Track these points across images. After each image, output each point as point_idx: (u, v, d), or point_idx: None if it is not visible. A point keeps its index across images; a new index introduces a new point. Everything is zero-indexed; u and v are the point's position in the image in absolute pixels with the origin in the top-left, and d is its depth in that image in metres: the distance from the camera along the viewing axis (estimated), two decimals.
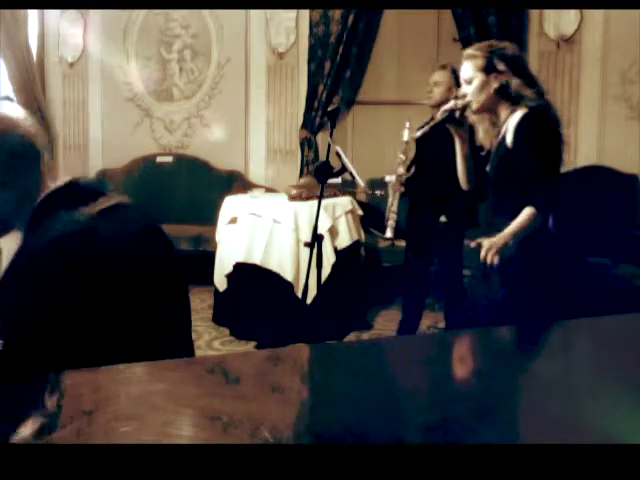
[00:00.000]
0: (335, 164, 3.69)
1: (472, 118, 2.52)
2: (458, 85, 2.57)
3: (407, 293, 3.88)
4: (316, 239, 3.02)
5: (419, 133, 2.54)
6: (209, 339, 4.17)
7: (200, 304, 4.95)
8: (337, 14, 5.33)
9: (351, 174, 3.81)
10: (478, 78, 2.43)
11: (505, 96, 2.42)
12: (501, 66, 2.41)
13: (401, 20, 5.38)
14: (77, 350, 1.11)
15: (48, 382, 0.93)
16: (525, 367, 1.13)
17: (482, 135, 2.54)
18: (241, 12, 5.74)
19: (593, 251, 4.45)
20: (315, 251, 3.07)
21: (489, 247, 2.30)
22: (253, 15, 5.76)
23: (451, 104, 2.49)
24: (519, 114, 2.39)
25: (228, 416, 0.80)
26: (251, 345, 4.05)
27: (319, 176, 2.94)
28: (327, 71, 5.42)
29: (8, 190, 1.27)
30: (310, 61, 5.51)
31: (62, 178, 1.33)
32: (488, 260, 2.30)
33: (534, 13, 5.03)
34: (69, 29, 6.26)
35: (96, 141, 6.44)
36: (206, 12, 5.90)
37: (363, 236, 4.40)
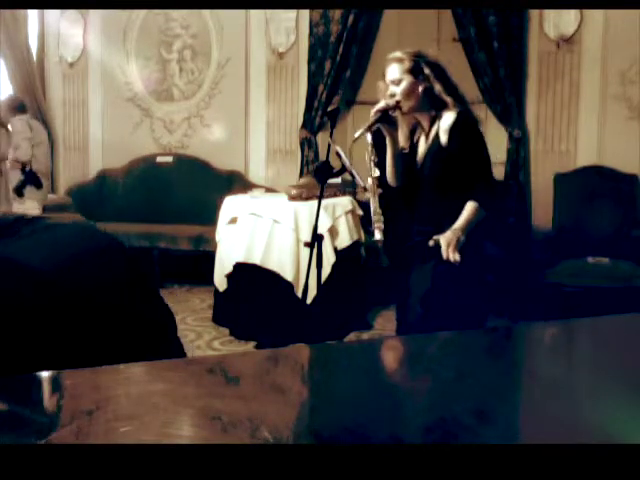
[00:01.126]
0: (335, 164, 3.69)
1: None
2: None
3: (400, 293, 3.88)
4: (316, 239, 3.02)
5: (357, 135, 2.60)
6: (209, 339, 4.18)
7: (200, 304, 4.96)
8: (337, 14, 5.33)
9: (351, 174, 3.80)
10: (406, 80, 2.54)
11: (431, 99, 2.54)
12: (427, 70, 2.53)
13: (401, 20, 5.38)
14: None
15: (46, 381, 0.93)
16: (525, 367, 1.13)
17: (401, 136, 2.65)
18: (241, 12, 5.74)
19: (593, 251, 4.46)
20: (315, 251, 3.07)
21: (448, 244, 2.39)
22: (253, 15, 5.76)
23: (382, 104, 2.57)
24: (450, 116, 2.52)
25: (228, 416, 0.80)
26: (251, 345, 4.05)
27: (319, 176, 2.94)
28: (327, 71, 5.42)
29: None
30: (310, 61, 5.51)
31: None
32: (451, 258, 2.38)
33: (534, 13, 5.04)
34: (69, 29, 6.27)
35: (96, 141, 6.44)
36: (206, 12, 5.90)
37: (363, 236, 4.40)
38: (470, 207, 2.46)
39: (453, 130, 2.50)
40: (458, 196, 2.48)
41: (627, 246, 4.52)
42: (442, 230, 2.45)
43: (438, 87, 2.52)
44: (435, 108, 2.56)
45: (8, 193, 4.77)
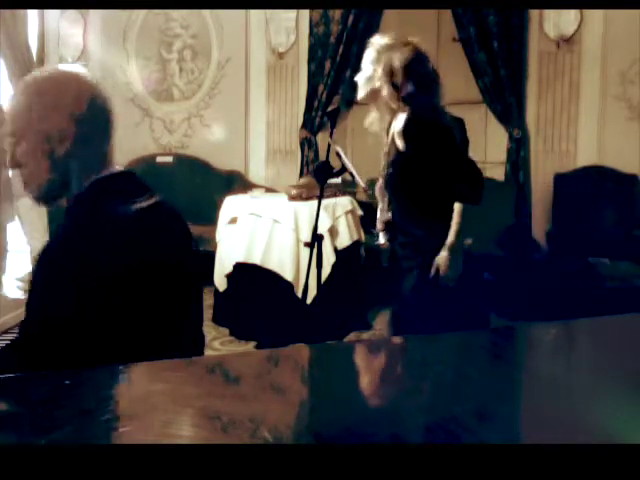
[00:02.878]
0: (335, 164, 3.69)
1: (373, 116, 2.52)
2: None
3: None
4: (316, 239, 3.02)
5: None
6: (209, 339, 4.17)
7: None
8: (337, 14, 5.33)
9: (351, 174, 3.80)
10: (369, 69, 2.45)
11: (393, 95, 2.39)
12: (396, 64, 2.38)
13: (401, 20, 5.38)
14: (93, 333, 1.21)
15: (48, 380, 0.93)
16: (525, 367, 1.13)
17: (381, 126, 2.53)
18: (241, 12, 5.74)
19: (593, 251, 4.46)
20: (315, 251, 3.06)
21: (440, 264, 2.30)
22: (253, 15, 5.76)
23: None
24: (402, 117, 2.35)
25: (228, 416, 0.80)
26: (251, 345, 4.05)
27: (319, 176, 2.94)
28: (327, 71, 5.42)
29: (87, 150, 1.36)
30: (310, 61, 5.51)
31: (114, 166, 1.46)
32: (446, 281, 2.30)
33: (534, 13, 5.04)
34: (69, 29, 6.27)
35: None
36: (206, 12, 5.90)
37: (363, 236, 4.40)
38: (457, 211, 2.30)
39: (405, 133, 2.33)
40: (430, 201, 2.35)
41: (627, 246, 4.52)
42: (417, 238, 2.36)
43: (403, 83, 2.36)
44: (394, 106, 2.40)
45: (9, 189, 4.78)
